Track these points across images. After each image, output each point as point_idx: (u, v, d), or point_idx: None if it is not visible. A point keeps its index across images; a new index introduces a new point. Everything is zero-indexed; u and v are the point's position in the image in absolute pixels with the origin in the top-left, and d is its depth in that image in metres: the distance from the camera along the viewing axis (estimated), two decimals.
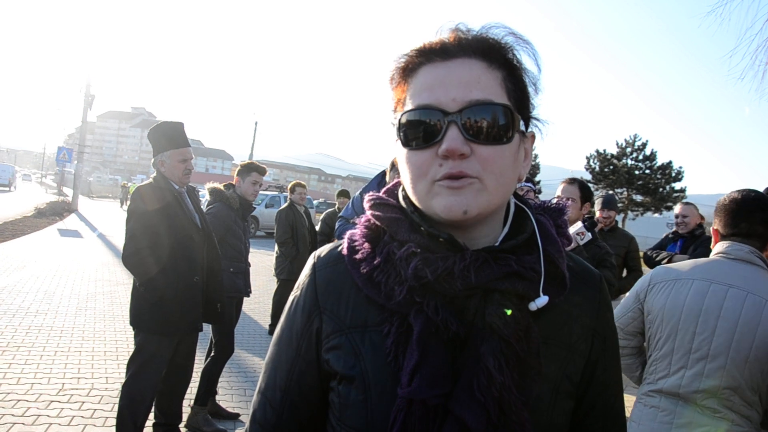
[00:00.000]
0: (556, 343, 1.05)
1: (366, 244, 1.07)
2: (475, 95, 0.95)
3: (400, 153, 1.03)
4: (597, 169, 40.34)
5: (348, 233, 1.13)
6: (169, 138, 4.27)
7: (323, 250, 1.17)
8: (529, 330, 0.98)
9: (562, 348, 1.05)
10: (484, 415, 0.90)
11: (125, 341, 7.38)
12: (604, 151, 41.44)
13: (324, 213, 9.75)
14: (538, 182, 39.04)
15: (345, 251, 1.11)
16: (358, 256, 1.07)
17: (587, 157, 41.67)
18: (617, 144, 42.33)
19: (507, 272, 0.97)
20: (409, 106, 1.00)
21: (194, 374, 4.71)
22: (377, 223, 1.08)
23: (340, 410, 1.03)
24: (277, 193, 28.80)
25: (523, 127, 1.03)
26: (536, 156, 42.76)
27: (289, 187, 9.09)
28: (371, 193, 1.15)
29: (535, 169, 42.00)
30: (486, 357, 0.93)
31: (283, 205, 8.88)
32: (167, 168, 4.23)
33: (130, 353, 4.19)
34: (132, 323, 4.14)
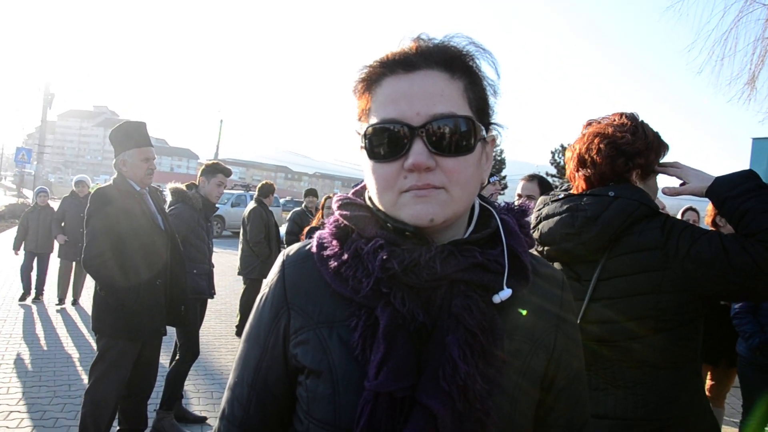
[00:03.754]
0: (520, 337, 1.08)
1: (335, 242, 1.10)
2: (439, 109, 0.98)
3: (365, 163, 1.05)
4: (562, 163, 40.67)
5: (317, 233, 1.16)
6: (131, 137, 4.21)
7: (292, 248, 1.20)
8: (493, 322, 1.01)
9: (525, 341, 1.08)
10: (449, 403, 0.93)
11: (89, 346, 7.26)
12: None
13: (292, 212, 9.67)
14: (504, 177, 39.28)
15: (314, 249, 1.13)
16: (327, 252, 1.09)
17: (552, 152, 41.97)
18: None
19: (472, 263, 1.01)
20: (374, 118, 1.02)
21: (159, 378, 4.64)
22: (345, 222, 1.11)
23: (308, 404, 1.05)
24: (243, 192, 28.55)
25: (484, 133, 1.05)
26: (502, 152, 42.94)
27: (258, 187, 8.98)
28: (339, 194, 1.19)
29: (500, 164, 42.22)
30: (451, 347, 0.96)
31: (253, 204, 8.71)
32: (129, 168, 4.16)
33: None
34: (94, 328, 4.08)
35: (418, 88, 0.99)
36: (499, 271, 1.04)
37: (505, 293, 1.02)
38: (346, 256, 1.05)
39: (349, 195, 1.18)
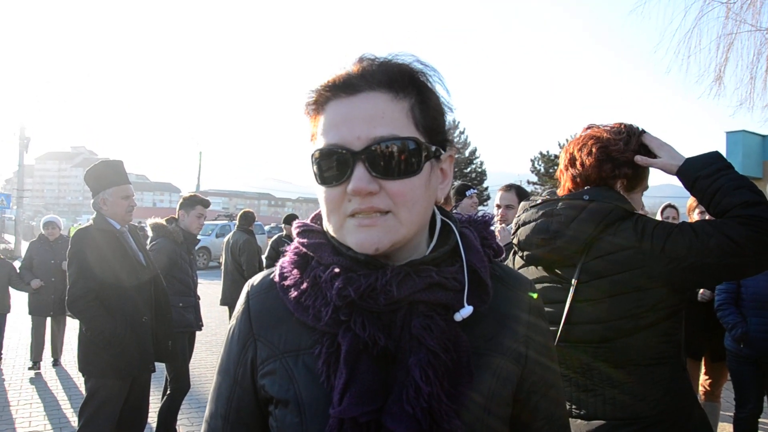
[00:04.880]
0: (489, 352, 1.07)
1: (295, 271, 1.10)
2: (379, 132, 0.96)
3: (316, 186, 1.05)
4: (542, 170, 40.94)
5: (280, 261, 1.16)
6: (109, 176, 4.21)
7: (256, 278, 1.20)
8: (457, 340, 1.00)
9: (495, 356, 1.07)
10: (415, 426, 0.92)
11: (78, 388, 7.15)
12: (548, 152, 42.03)
13: (272, 239, 9.69)
14: (486, 188, 39.41)
15: (276, 278, 1.13)
16: (288, 282, 1.09)
17: (532, 160, 42.24)
18: (559, 144, 42.82)
19: (429, 283, 1.00)
20: (319, 143, 1.02)
21: (152, 414, 4.60)
22: (304, 249, 1.11)
23: None
24: (227, 222, 28.44)
25: (442, 151, 1.05)
26: (482, 163, 43.19)
27: (240, 216, 9.04)
28: (298, 221, 1.19)
29: (482, 176, 42.41)
30: (413, 369, 0.95)
31: (241, 234, 8.72)
32: (109, 206, 4.16)
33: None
34: (81, 369, 4.05)
35: (358, 111, 0.98)
36: (458, 288, 1.03)
37: (466, 311, 1.02)
38: (305, 285, 1.05)
39: (308, 221, 1.17)
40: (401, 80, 1.01)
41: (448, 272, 1.03)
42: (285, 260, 1.14)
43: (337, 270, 1.01)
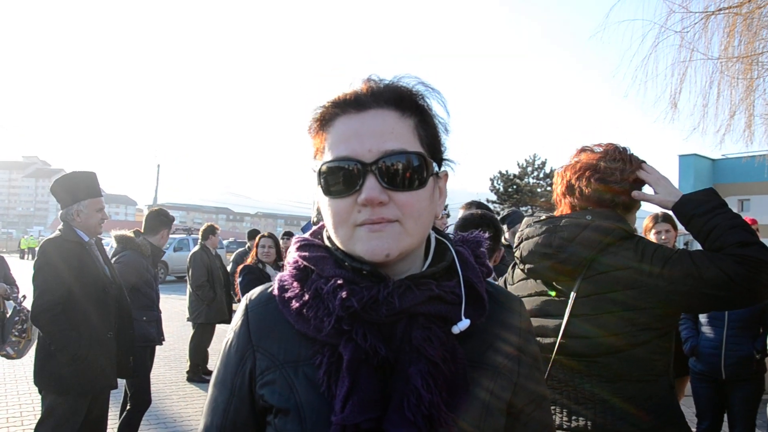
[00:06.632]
0: (483, 365, 1.11)
1: (295, 284, 1.12)
2: (390, 145, 1.02)
3: (321, 199, 1.09)
4: (501, 189, 41.43)
5: (278, 275, 1.19)
6: (86, 187, 4.16)
7: (255, 291, 1.22)
8: (454, 351, 1.05)
9: (488, 369, 1.12)
10: None
11: (30, 404, 6.93)
12: (507, 171, 42.58)
13: (235, 253, 9.60)
14: (446, 206, 39.71)
15: (276, 291, 1.15)
16: (288, 294, 1.12)
17: (491, 179, 42.73)
18: (518, 164, 43.43)
19: (429, 296, 1.05)
20: (328, 156, 1.06)
21: (110, 430, 4.50)
22: (305, 263, 1.14)
23: None
24: (185, 236, 28.06)
25: (436, 168, 1.11)
26: None
27: (201, 231, 8.96)
28: (298, 236, 1.21)
29: None
30: (414, 378, 0.98)
31: (195, 248, 8.71)
32: (83, 218, 4.09)
33: (37, 417, 3.95)
34: (38, 383, 3.94)
35: (369, 126, 1.04)
36: (456, 302, 1.07)
37: (464, 324, 1.06)
38: (306, 297, 1.08)
39: (307, 236, 1.21)
40: (407, 100, 1.08)
41: (447, 286, 1.08)
42: (285, 274, 1.17)
43: (340, 282, 1.05)
